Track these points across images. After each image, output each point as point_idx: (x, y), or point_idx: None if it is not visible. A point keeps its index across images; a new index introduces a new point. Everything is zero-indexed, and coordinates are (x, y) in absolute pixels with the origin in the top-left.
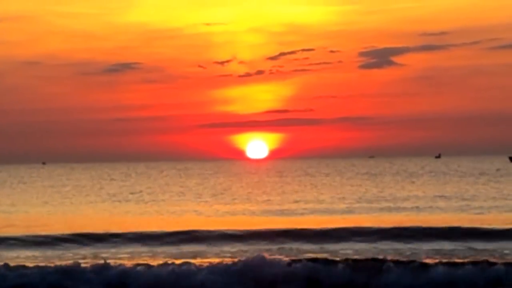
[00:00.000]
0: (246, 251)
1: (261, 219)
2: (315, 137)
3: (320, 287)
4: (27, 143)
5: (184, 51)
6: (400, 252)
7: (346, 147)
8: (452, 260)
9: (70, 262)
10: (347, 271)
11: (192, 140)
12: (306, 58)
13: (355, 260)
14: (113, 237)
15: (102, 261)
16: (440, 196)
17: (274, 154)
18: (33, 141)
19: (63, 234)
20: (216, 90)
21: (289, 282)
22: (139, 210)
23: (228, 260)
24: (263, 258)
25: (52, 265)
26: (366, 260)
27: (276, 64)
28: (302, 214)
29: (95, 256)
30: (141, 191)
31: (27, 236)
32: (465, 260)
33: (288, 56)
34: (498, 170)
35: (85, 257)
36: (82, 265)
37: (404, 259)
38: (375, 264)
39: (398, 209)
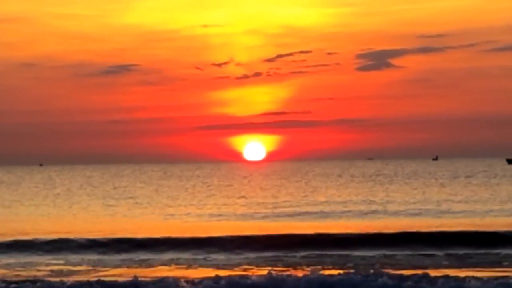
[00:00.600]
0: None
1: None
2: (312, 139)
3: None
4: (24, 144)
5: (182, 53)
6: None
7: (343, 149)
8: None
9: None
10: None
11: (189, 142)
12: (304, 60)
13: None
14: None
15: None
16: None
17: (272, 156)
18: (30, 142)
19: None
20: (213, 92)
21: None
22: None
23: None
24: None
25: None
26: None
27: (273, 66)
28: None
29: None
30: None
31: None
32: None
33: (286, 58)
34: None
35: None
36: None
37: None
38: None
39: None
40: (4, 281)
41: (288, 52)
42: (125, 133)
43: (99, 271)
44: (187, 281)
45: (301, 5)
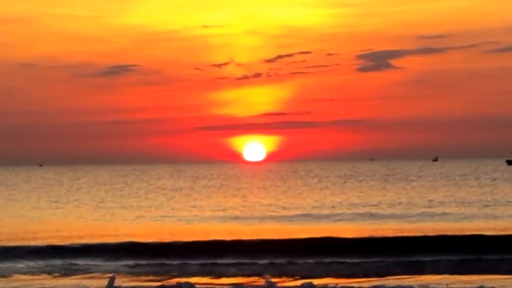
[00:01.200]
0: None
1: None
2: (312, 140)
3: None
4: (24, 145)
5: (182, 54)
6: None
7: (343, 150)
8: None
9: None
10: None
11: (189, 143)
12: (304, 61)
13: None
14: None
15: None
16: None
17: (271, 157)
18: (30, 143)
19: None
20: (213, 92)
21: None
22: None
23: None
24: None
25: None
26: None
27: (273, 67)
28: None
29: None
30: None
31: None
32: None
33: (286, 59)
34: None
35: None
36: None
37: None
38: None
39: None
40: None
41: (288, 52)
42: (125, 133)
43: None
44: None
45: (301, 6)
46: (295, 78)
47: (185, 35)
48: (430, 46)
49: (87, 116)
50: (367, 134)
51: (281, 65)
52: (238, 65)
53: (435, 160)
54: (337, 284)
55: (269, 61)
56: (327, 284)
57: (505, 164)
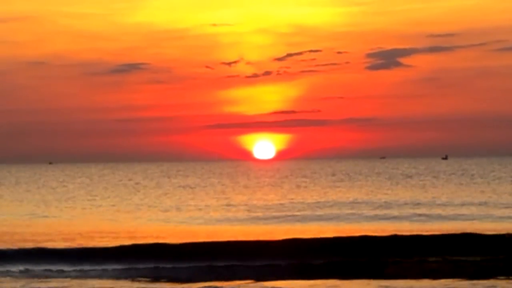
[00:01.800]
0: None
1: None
2: (322, 138)
3: None
4: (34, 143)
5: (191, 52)
6: None
7: (353, 148)
8: None
9: None
10: None
11: (199, 141)
12: (313, 59)
13: None
14: None
15: None
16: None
17: (281, 155)
18: (40, 141)
19: None
20: (223, 90)
21: None
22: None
23: None
24: None
25: None
26: None
27: (283, 65)
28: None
29: None
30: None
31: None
32: None
33: (295, 57)
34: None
35: None
36: None
37: None
38: None
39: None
40: None
41: (298, 51)
42: (135, 131)
43: None
44: None
45: (311, 4)
46: (305, 76)
47: (194, 33)
48: (440, 44)
49: (96, 114)
50: (377, 132)
51: (291, 63)
52: (248, 63)
53: (445, 158)
54: None
55: (279, 59)
56: None
57: None
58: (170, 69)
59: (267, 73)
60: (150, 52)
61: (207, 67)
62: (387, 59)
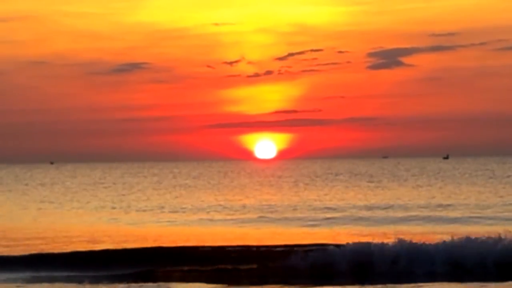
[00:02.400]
0: None
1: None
2: (323, 137)
3: None
4: (35, 142)
5: (193, 51)
6: None
7: (354, 147)
8: None
9: None
10: None
11: (200, 140)
12: (315, 59)
13: None
14: None
15: None
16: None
17: (283, 155)
18: (41, 140)
19: None
20: (224, 90)
21: None
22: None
23: None
24: None
25: None
26: None
27: (284, 65)
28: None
29: None
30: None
31: None
32: None
33: (297, 57)
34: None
35: None
36: None
37: None
38: None
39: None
40: None
41: (299, 50)
42: (136, 131)
43: None
44: None
45: (313, 4)
46: (306, 76)
47: (196, 32)
48: (441, 43)
49: (97, 114)
50: (378, 132)
51: (292, 62)
52: (249, 62)
53: (446, 158)
54: None
55: (280, 58)
56: None
57: None
58: (171, 68)
59: (269, 72)
60: (151, 52)
61: (208, 66)
62: (388, 58)
